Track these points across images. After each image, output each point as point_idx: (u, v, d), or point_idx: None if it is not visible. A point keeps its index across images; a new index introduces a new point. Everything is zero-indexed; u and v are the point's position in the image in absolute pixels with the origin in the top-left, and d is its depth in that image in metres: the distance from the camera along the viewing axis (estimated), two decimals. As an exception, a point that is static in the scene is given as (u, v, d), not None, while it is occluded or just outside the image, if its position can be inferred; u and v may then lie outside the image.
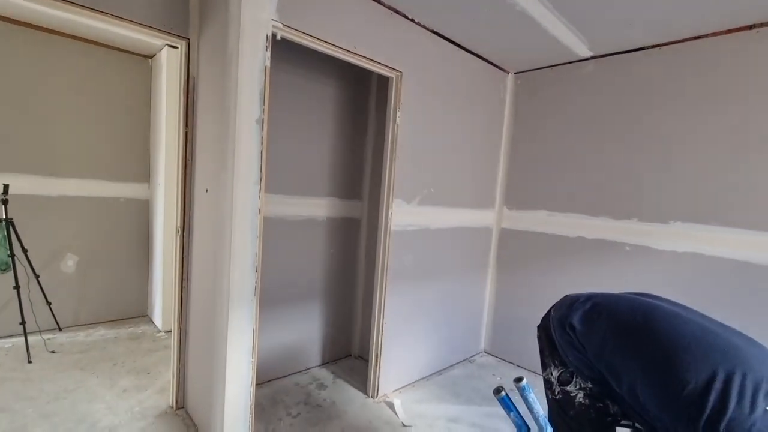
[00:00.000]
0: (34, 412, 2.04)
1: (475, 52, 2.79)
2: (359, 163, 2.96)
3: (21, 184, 2.88)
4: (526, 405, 1.28)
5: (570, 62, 2.84)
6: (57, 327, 3.04)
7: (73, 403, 2.15)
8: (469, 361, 3.22)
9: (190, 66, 1.98)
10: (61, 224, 3.07)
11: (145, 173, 3.47)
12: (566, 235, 2.89)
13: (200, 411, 2.01)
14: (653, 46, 2.46)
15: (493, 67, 3.01)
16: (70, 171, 3.09)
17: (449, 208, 2.83)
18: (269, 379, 2.58)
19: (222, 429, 1.76)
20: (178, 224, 2.07)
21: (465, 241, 3.03)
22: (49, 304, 2.90)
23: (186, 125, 2.00)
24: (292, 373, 2.74)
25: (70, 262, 3.11)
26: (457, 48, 2.66)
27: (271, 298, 2.49)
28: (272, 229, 2.42)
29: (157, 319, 3.30)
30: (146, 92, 3.41)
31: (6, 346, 2.76)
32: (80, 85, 3.07)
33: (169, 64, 3.03)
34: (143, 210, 3.48)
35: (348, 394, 2.54)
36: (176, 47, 1.99)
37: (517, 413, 1.30)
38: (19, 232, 2.74)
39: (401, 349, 2.62)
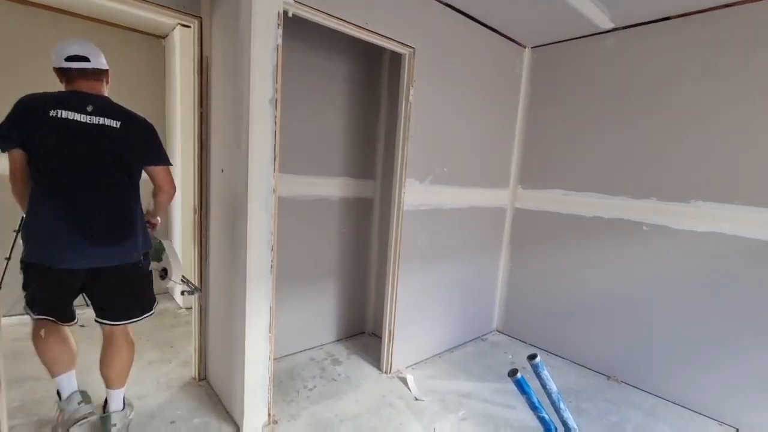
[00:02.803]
0: (67, 381, 2.17)
1: (491, 26, 2.71)
2: (372, 142, 2.95)
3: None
4: (540, 382, 1.29)
5: (590, 35, 2.73)
6: (86, 303, 3.17)
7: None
8: (482, 339, 3.26)
9: (204, 46, 1.98)
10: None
11: (161, 155, 3.52)
12: (582, 214, 2.84)
13: (221, 383, 2.11)
14: (679, 16, 2.34)
15: (509, 41, 2.91)
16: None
17: (462, 188, 2.81)
18: (286, 354, 2.67)
19: (242, 401, 1.84)
20: (196, 204, 2.12)
21: (478, 220, 3.01)
22: None
23: (201, 105, 2.02)
24: (308, 349, 2.82)
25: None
26: (471, 22, 2.58)
27: (287, 277, 2.54)
28: (286, 209, 2.45)
29: (178, 296, 3.42)
30: (160, 73, 3.42)
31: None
32: (96, 68, 3.11)
33: (182, 44, 3.03)
34: (161, 191, 3.56)
35: (362, 369, 2.62)
36: (189, 26, 1.99)
37: (532, 394, 1.32)
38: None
39: (414, 327, 2.66)
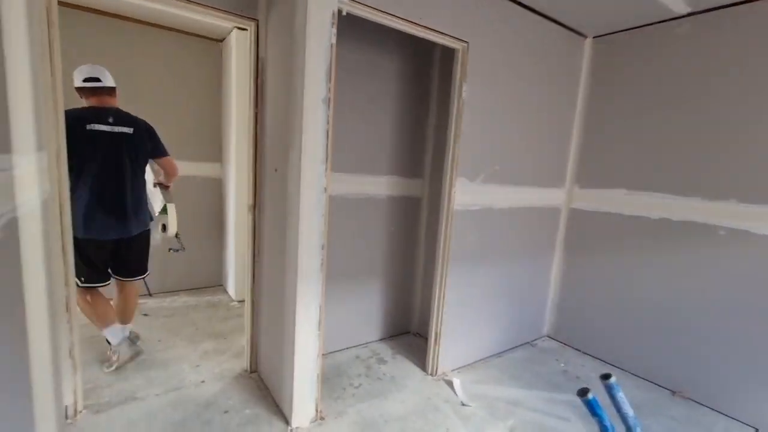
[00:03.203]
0: (134, 366, 2.33)
1: (549, 16, 2.56)
2: (420, 140, 2.90)
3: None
4: (614, 404, 1.19)
5: (660, 21, 2.50)
6: (148, 293, 3.41)
7: (164, 361, 2.42)
8: (531, 345, 3.12)
9: (259, 47, 2.03)
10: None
11: (217, 153, 3.69)
12: (647, 216, 2.63)
13: (271, 376, 2.16)
14: (771, -4, 2.08)
15: (569, 31, 2.74)
16: (154, 152, 3.37)
17: (515, 187, 2.70)
18: (332, 351, 2.70)
19: (291, 396, 1.88)
20: (250, 202, 2.18)
21: (531, 221, 2.88)
22: None
23: (256, 106, 2.07)
24: (354, 347, 2.84)
25: (158, 236, 3.43)
26: (528, 12, 2.45)
27: (334, 274, 2.57)
28: (334, 207, 2.47)
29: (231, 289, 3.57)
30: (218, 75, 3.58)
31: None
32: (162, 71, 3.30)
33: (238, 47, 3.14)
34: (217, 188, 3.73)
35: (407, 369, 2.59)
36: (245, 29, 2.05)
37: (605, 418, 1.22)
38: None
39: (461, 329, 2.60)
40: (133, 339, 2.54)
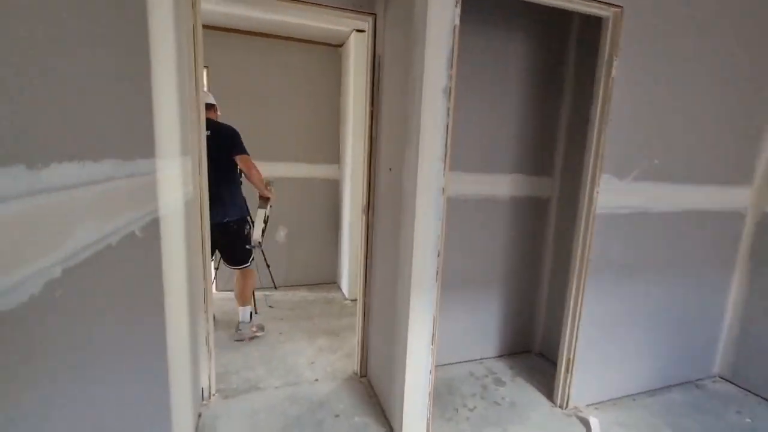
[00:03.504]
0: (258, 356, 2.50)
1: (739, -39, 1.94)
2: (551, 132, 2.51)
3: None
4: None
5: None
6: (273, 286, 3.70)
7: (284, 354, 2.54)
8: (696, 386, 2.46)
9: (377, 43, 1.95)
10: (276, 201, 3.66)
11: (335, 155, 3.82)
12: None
13: (381, 385, 2.08)
14: None
15: (768, -22, 2.06)
16: (281, 156, 3.63)
17: (679, 185, 2.13)
18: (443, 364, 2.51)
19: (401, 411, 1.75)
20: (364, 204, 2.13)
21: (700, 228, 2.26)
22: (268, 266, 3.53)
23: (371, 104, 2.00)
24: (467, 361, 2.60)
25: (282, 233, 3.72)
26: (708, -40, 1.90)
27: (448, 281, 2.36)
28: (450, 209, 2.27)
29: (345, 288, 3.66)
30: (336, 79, 3.70)
31: (241, 296, 3.50)
32: (287, 79, 3.55)
33: (356, 50, 3.18)
34: (334, 189, 3.87)
35: (529, 396, 2.26)
36: (363, 31, 1.99)
37: None
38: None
39: (600, 357, 2.15)
40: (258, 326, 2.80)
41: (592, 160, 1.91)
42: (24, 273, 0.51)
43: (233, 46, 3.36)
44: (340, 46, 3.63)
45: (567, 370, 2.11)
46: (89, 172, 0.70)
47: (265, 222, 2.86)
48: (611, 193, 1.96)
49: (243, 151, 2.60)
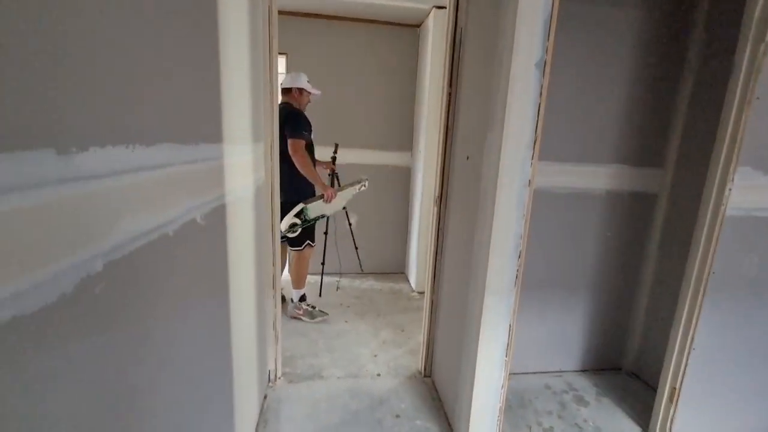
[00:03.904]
0: (323, 344, 2.50)
1: None
2: (664, 114, 2.10)
3: (323, 154, 3.54)
4: None
5: None
6: (360, 270, 3.70)
7: (347, 343, 2.52)
8: None
9: (458, 16, 1.75)
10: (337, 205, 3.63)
11: (408, 142, 3.68)
12: None
13: (446, 390, 1.94)
14: None
15: None
16: (354, 142, 3.58)
17: None
18: (515, 372, 2.29)
19: (468, 423, 1.60)
20: (436, 194, 1.97)
21: None
22: (356, 249, 3.53)
23: (450, 85, 1.82)
24: (543, 372, 2.35)
25: (352, 220, 3.70)
26: None
27: (525, 281, 2.11)
28: (534, 203, 2.01)
29: (412, 279, 3.55)
30: (413, 62, 3.53)
31: (310, 281, 3.56)
32: (362, 62, 3.46)
33: (435, 28, 2.98)
34: (405, 177, 3.74)
35: (619, 423, 1.95)
36: (443, 7, 1.81)
37: None
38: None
39: (716, 389, 1.77)
40: (313, 311, 2.80)
41: (725, 148, 1.53)
42: (56, 269, 0.46)
43: (311, 32, 3.35)
44: (419, 26, 3.44)
45: (671, 400, 1.77)
46: (138, 157, 0.65)
47: (306, 219, 2.70)
48: (750, 191, 1.56)
49: (291, 133, 2.53)
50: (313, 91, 2.75)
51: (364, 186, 3.04)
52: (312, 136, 2.74)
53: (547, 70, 1.29)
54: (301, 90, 2.70)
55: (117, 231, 0.59)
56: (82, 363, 0.52)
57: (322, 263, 3.33)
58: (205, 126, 1.01)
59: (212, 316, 1.12)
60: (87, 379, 0.54)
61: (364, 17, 3.32)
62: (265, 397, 1.95)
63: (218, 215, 1.12)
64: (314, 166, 2.72)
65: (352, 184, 3.02)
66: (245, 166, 1.46)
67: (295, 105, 2.69)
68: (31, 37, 0.43)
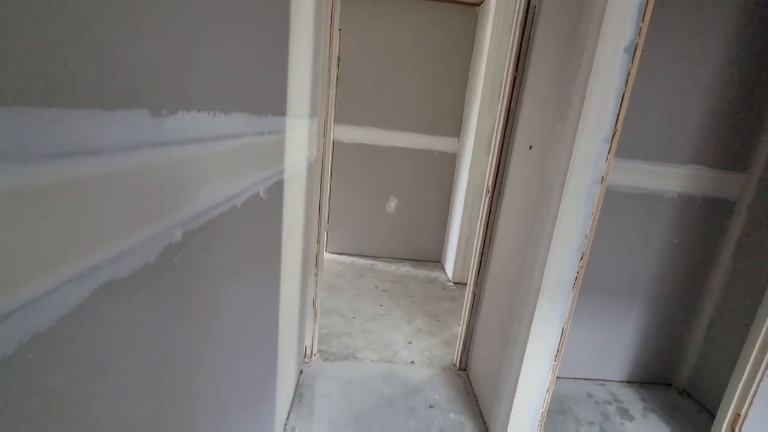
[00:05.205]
0: (358, 324, 2.51)
1: None
2: (755, 110, 1.88)
3: (368, 136, 3.51)
4: None
5: None
6: (374, 256, 3.71)
7: (382, 327, 2.51)
8: None
9: (532, -9, 1.62)
10: (388, 171, 3.60)
11: (456, 128, 3.56)
12: None
13: (483, 385, 1.89)
14: None
15: None
16: (400, 125, 3.51)
17: None
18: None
19: (506, 423, 1.55)
20: (489, 184, 1.88)
21: None
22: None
23: (516, 69, 1.70)
24: (585, 379, 2.24)
25: (392, 204, 3.66)
26: None
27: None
28: (594, 202, 1.88)
29: (449, 269, 3.49)
30: (468, 45, 3.38)
31: (347, 261, 3.59)
32: (413, 43, 3.34)
33: (497, 7, 2.81)
34: (450, 164, 3.63)
35: (667, 441, 1.84)
36: None
37: None
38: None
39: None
40: None
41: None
42: (140, 236, 0.44)
43: (364, 8, 3.26)
44: (479, 4, 3.27)
45: (732, 428, 1.64)
46: (218, 125, 0.62)
47: None
48: None
49: None
50: None
51: None
52: None
53: (638, 55, 1.16)
54: None
55: (196, 200, 0.57)
56: (158, 332, 0.52)
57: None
58: (272, 97, 0.98)
59: (265, 288, 1.12)
60: (159, 345, 0.53)
61: (421, -6, 3.19)
62: (301, 372, 1.99)
63: (277, 190, 1.11)
64: None
65: None
66: (301, 141, 1.44)
67: None
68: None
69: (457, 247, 3.30)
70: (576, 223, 1.31)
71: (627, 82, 1.18)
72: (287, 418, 1.67)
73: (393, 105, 3.46)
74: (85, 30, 0.34)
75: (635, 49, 1.15)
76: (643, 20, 1.13)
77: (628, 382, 2.26)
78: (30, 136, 0.30)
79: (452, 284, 3.33)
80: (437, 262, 3.84)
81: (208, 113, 0.59)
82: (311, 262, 1.95)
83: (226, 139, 0.65)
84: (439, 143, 3.57)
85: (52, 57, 0.31)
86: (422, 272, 3.55)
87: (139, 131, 0.41)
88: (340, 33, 3.25)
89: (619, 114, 1.21)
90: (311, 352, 2.09)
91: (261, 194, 0.93)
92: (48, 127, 0.31)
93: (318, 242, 1.97)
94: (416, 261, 3.80)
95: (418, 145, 3.57)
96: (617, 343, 2.21)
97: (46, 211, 0.32)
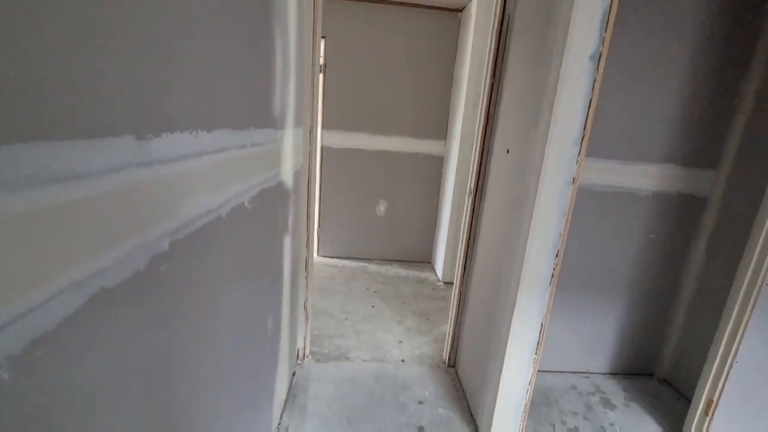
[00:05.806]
0: (350, 325, 2.56)
1: None
2: (721, 113, 1.97)
3: (357, 141, 3.56)
4: None
5: None
6: (365, 258, 3.76)
7: (373, 328, 2.56)
8: None
9: (507, 1, 1.69)
10: (377, 175, 3.66)
11: (442, 130, 3.63)
12: None
13: (470, 381, 1.95)
14: None
15: None
16: (388, 129, 3.57)
17: None
18: (541, 369, 2.27)
19: (491, 416, 1.61)
20: (471, 186, 1.95)
21: None
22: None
23: (493, 75, 1.77)
24: (569, 372, 2.31)
25: (381, 207, 3.72)
26: None
27: (558, 281, 2.08)
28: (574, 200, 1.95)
29: (439, 269, 3.55)
30: (452, 49, 3.45)
31: (339, 265, 3.64)
32: (398, 49, 3.41)
33: (478, 13, 2.89)
34: (438, 166, 3.70)
35: (647, 430, 1.91)
36: None
37: None
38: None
39: (756, 406, 1.70)
40: None
41: (792, 154, 1.43)
42: (129, 247, 0.49)
43: (350, 15, 3.32)
44: (461, 10, 3.34)
45: (705, 413, 1.72)
46: (201, 142, 0.67)
47: None
48: (816, 201, 1.45)
49: None
50: None
51: None
52: None
53: (602, 63, 1.23)
54: None
55: (180, 212, 0.62)
56: (150, 336, 0.56)
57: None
58: (254, 111, 1.03)
59: (255, 292, 1.17)
60: (155, 346, 0.58)
61: (405, 0, 3.26)
62: (294, 374, 2.03)
63: (262, 199, 1.16)
64: None
65: None
66: (286, 151, 1.49)
67: None
68: (127, 30, 0.45)
69: (446, 247, 3.37)
70: (550, 222, 1.38)
71: (593, 88, 1.25)
72: (280, 418, 1.71)
73: (381, 110, 3.52)
74: (76, 72, 0.39)
75: (600, 57, 1.22)
76: (606, 30, 1.20)
77: (612, 374, 2.34)
78: (30, 166, 0.35)
79: (442, 284, 3.39)
80: (427, 262, 3.90)
81: (191, 132, 0.64)
82: (301, 266, 2.00)
83: (208, 154, 0.70)
84: (427, 146, 3.64)
85: (49, 97, 0.36)
86: (413, 273, 3.61)
87: (125, 154, 0.47)
88: (324, 41, 3.32)
89: (587, 118, 1.28)
90: (304, 354, 2.14)
91: (246, 204, 0.98)
92: (43, 157, 0.36)
93: (307, 246, 2.01)
94: (407, 262, 3.86)
95: (406, 149, 3.63)
96: (600, 337, 2.28)
97: (44, 228, 0.37)
